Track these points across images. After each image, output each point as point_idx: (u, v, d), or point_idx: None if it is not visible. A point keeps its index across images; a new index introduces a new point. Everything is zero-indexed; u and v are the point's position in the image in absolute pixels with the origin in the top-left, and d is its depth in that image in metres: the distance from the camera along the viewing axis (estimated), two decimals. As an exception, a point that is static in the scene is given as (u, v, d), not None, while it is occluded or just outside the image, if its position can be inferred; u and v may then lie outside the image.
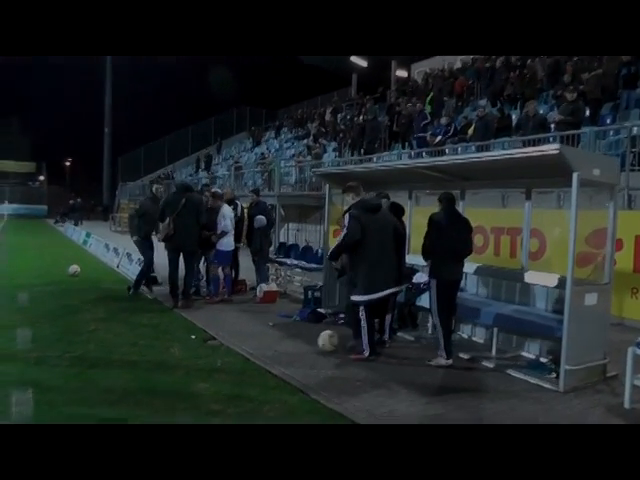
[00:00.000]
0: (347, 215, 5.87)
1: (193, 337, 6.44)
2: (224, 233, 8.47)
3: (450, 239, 5.64)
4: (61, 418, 3.93)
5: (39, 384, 4.64)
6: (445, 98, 17.37)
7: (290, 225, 14.88)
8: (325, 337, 5.97)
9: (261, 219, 9.24)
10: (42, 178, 55.23)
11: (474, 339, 6.81)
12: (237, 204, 9.37)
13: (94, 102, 47.64)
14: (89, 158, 52.04)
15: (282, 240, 12.81)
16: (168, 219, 8.02)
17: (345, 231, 5.74)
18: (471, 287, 7.06)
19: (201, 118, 39.08)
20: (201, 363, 5.42)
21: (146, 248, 9.23)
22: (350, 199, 6.10)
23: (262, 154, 25.37)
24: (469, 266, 6.65)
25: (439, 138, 12.80)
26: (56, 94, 57.22)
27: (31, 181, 55.76)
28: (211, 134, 38.27)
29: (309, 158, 18.49)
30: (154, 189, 10.21)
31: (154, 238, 9.05)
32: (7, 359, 5.40)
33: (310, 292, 8.01)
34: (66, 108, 56.56)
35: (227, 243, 8.57)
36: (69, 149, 58.94)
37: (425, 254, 5.77)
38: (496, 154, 6.32)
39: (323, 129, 22.02)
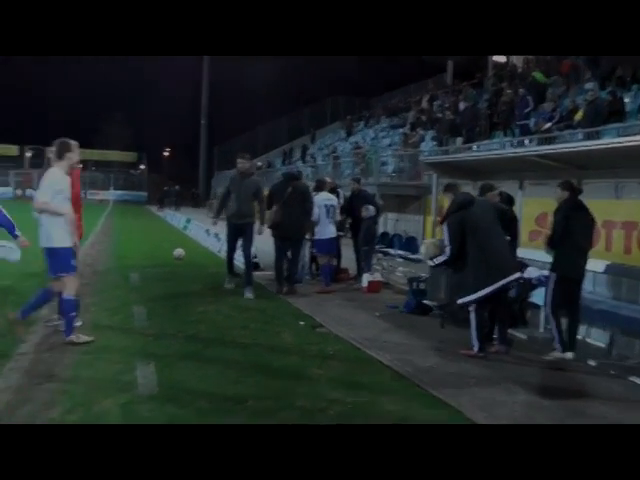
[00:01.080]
0: (444, 226, 5.77)
1: (302, 323, 6.49)
2: (314, 223, 8.49)
3: (576, 233, 5.33)
4: (184, 394, 4.09)
5: (160, 360, 4.84)
6: (547, 78, 16.35)
7: (389, 215, 14.75)
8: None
9: (371, 208, 9.10)
10: (142, 167, 58.38)
11: (588, 340, 6.37)
12: (339, 192, 9.37)
13: (192, 94, 49.70)
14: (187, 148, 54.65)
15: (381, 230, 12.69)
16: (275, 207, 8.14)
17: (448, 247, 5.67)
18: (587, 285, 6.61)
19: (295, 109, 39.57)
20: (313, 349, 5.44)
21: (229, 233, 8.50)
22: (449, 199, 5.96)
23: (357, 143, 25.30)
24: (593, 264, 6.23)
25: (548, 125, 12.13)
26: (156, 87, 60.35)
27: (133, 169, 59.25)
28: (305, 124, 38.59)
29: (409, 148, 18.20)
30: (239, 164, 8.23)
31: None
32: (128, 334, 5.71)
33: (415, 283, 7.86)
34: (166, 101, 59.66)
35: (322, 231, 8.57)
36: (168, 140, 62.20)
37: (550, 245, 5.52)
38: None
39: (423, 117, 21.53)
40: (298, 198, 8.18)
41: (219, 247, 12.91)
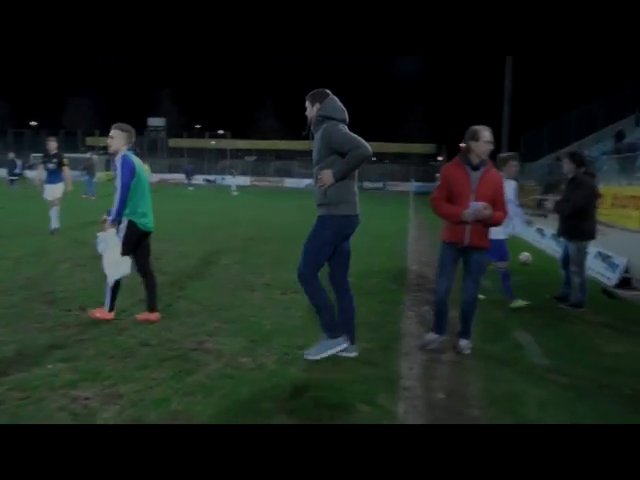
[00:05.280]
0: None
1: None
2: None
3: None
4: None
5: (545, 402, 3.58)
6: None
7: None
8: None
9: None
10: (441, 158, 58.46)
11: None
12: None
13: (493, 83, 47.58)
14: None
15: None
16: None
17: None
18: None
19: (615, 87, 33.86)
20: None
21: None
22: None
23: None
24: None
25: None
26: (454, 77, 60.45)
27: (432, 161, 59.96)
28: (626, 104, 32.65)
29: None
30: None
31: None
32: (532, 378, 4.43)
33: None
34: (464, 89, 59.22)
35: None
36: (466, 129, 61.67)
37: None
38: None
39: None
40: None
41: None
